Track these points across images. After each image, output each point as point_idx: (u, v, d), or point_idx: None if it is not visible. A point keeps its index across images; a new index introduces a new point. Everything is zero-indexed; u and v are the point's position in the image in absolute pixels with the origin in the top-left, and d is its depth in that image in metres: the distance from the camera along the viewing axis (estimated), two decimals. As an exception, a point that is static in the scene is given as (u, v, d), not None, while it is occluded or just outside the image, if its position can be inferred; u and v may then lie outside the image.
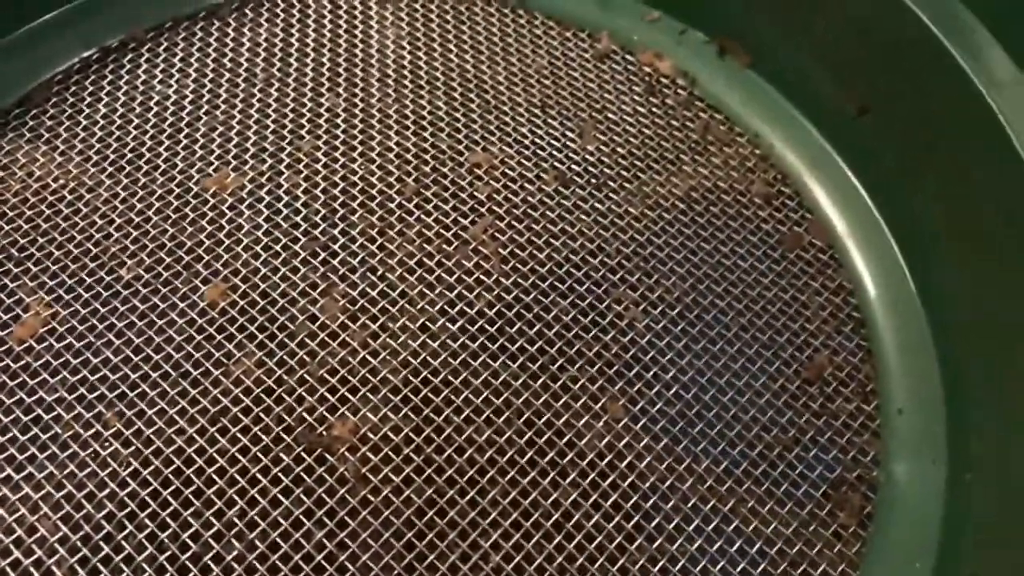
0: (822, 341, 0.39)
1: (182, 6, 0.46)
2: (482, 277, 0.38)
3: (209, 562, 0.32)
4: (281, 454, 0.33)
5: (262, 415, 0.34)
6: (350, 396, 0.35)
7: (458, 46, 0.46)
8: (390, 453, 0.34)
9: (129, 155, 0.41)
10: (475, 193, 0.40)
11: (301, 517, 0.33)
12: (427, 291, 0.37)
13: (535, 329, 0.37)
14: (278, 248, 0.38)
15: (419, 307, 0.37)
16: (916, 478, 0.36)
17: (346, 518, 0.33)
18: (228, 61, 0.44)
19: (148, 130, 0.42)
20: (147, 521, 0.32)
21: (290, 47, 0.45)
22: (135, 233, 0.38)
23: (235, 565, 0.32)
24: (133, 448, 0.34)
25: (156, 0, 0.46)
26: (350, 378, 0.35)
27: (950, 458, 0.36)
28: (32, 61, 0.43)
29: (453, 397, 0.35)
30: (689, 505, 0.34)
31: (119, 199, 0.39)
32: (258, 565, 0.32)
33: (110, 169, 0.40)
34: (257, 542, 0.32)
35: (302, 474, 0.33)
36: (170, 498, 0.33)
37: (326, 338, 0.36)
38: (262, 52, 0.45)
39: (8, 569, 0.31)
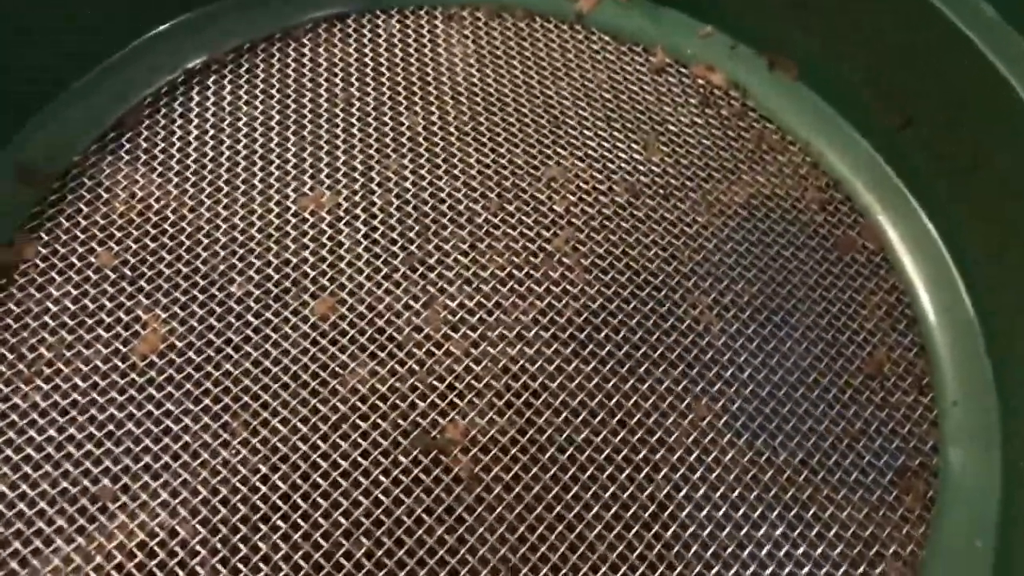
0: (879, 339, 0.42)
1: (259, 29, 0.48)
2: (568, 287, 0.41)
3: (341, 559, 0.34)
4: (400, 456, 0.36)
5: (379, 421, 0.37)
6: (458, 401, 0.37)
7: (522, 62, 0.49)
8: (499, 453, 0.37)
9: (225, 175, 0.43)
10: (554, 207, 0.43)
11: (422, 515, 0.35)
12: (519, 301, 0.40)
13: (620, 335, 0.40)
14: (379, 263, 0.41)
15: (514, 317, 0.40)
16: (973, 464, 0.39)
17: (463, 515, 0.35)
18: (308, 81, 0.47)
19: (240, 150, 0.44)
20: (280, 523, 0.35)
21: (365, 67, 0.48)
22: (240, 251, 0.41)
23: (365, 561, 0.34)
24: (261, 455, 0.36)
25: (233, 23, 0.48)
26: (457, 384, 0.38)
27: (1003, 445, 0.40)
28: (124, 85, 0.45)
29: (551, 400, 0.38)
30: (771, 494, 0.38)
31: (221, 218, 0.42)
32: (386, 560, 0.34)
33: (208, 189, 0.43)
34: (384, 539, 0.35)
35: (420, 475, 0.36)
36: (300, 501, 0.35)
37: (431, 348, 0.39)
38: (339, 72, 0.47)
39: (156, 570, 0.34)
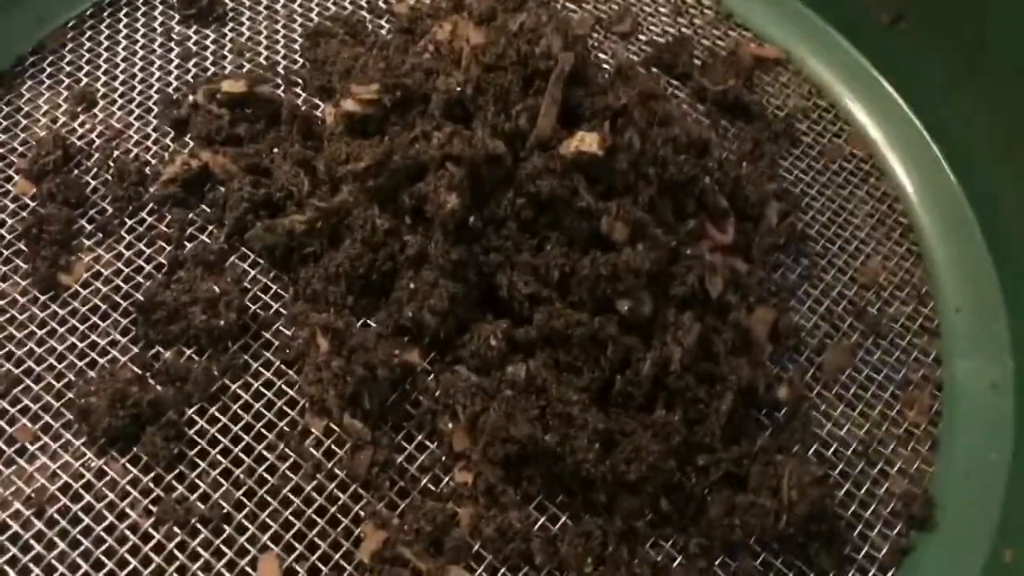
0: (873, 247, 0.39)
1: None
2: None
3: (289, 494, 0.31)
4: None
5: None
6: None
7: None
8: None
9: (156, 96, 0.39)
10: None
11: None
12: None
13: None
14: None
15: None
16: (981, 374, 0.36)
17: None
18: (248, 0, 0.43)
19: (172, 71, 0.40)
20: (220, 457, 0.31)
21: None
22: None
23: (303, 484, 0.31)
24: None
25: (165, -58, 0.44)
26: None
27: (1013, 351, 0.37)
28: (43, 5, 0.41)
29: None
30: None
31: (151, 140, 0.38)
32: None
33: (138, 111, 0.39)
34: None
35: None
36: (241, 432, 0.32)
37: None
38: (280, -9, 0.44)
39: (81, 514, 0.30)
